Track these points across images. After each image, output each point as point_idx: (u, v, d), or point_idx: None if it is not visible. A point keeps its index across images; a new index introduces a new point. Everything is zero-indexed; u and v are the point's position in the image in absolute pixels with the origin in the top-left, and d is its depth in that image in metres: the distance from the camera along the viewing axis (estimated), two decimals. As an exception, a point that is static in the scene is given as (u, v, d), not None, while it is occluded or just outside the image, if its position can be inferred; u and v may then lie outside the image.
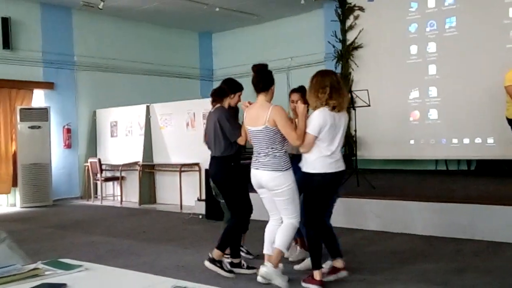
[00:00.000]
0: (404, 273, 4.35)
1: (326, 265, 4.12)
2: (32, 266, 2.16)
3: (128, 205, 9.70)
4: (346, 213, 6.10)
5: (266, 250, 4.02)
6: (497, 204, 5.54)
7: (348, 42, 9.93)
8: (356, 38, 9.81)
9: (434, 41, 9.02)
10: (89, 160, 10.27)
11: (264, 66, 4.02)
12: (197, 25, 12.53)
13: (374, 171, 8.90)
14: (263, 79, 3.99)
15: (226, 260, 4.47)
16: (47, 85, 10.32)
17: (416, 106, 9.18)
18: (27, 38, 10.04)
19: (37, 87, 10.23)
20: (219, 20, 11.90)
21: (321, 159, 3.82)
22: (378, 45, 9.59)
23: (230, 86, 4.59)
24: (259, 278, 3.93)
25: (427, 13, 9.11)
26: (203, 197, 7.90)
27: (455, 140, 8.76)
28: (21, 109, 9.70)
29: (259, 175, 3.92)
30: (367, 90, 7.65)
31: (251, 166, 4.01)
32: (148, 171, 9.82)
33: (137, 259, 5.19)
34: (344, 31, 10.01)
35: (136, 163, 9.83)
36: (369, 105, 7.52)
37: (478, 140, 8.51)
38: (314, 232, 3.95)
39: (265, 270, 3.87)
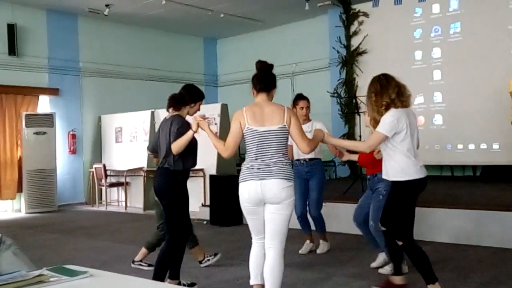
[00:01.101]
0: (408, 279, 4.32)
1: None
2: (37, 272, 2.17)
3: (133, 210, 9.71)
4: (350, 218, 6.07)
5: (256, 280, 3.40)
6: (503, 210, 5.52)
7: (353, 48, 9.95)
8: (360, 43, 9.82)
9: (439, 47, 9.02)
10: (94, 165, 10.29)
11: (271, 65, 3.65)
12: (202, 31, 12.58)
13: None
14: (268, 78, 3.54)
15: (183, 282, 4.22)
16: (53, 91, 10.38)
17: (421, 111, 9.16)
18: (33, 45, 10.11)
19: (43, 93, 10.28)
20: (224, 26, 11.94)
21: (410, 164, 3.60)
22: (383, 51, 9.59)
23: (192, 94, 4.23)
24: None
25: (431, 18, 9.11)
26: (208, 202, 7.89)
27: (460, 146, 8.73)
28: (26, 115, 9.75)
29: (265, 186, 3.28)
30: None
31: (245, 179, 3.34)
32: (153, 177, 9.81)
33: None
34: (349, 37, 10.03)
35: (140, 169, 9.84)
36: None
37: (483, 146, 8.48)
38: (405, 247, 3.70)
39: None
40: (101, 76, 11.12)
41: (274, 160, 3.31)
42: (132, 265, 4.87)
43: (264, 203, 3.33)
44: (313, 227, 5.51)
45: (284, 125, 3.33)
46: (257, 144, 3.34)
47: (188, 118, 4.16)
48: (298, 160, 5.38)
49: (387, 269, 4.46)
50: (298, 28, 11.70)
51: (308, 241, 5.52)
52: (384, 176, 3.76)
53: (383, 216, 3.80)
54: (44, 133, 9.83)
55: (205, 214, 7.72)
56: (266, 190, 3.28)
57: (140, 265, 4.88)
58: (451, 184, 8.44)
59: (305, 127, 5.00)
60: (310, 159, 5.33)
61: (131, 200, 10.13)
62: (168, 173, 3.99)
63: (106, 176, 10.04)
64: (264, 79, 3.51)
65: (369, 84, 3.76)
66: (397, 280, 3.91)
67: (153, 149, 4.33)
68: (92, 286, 2.11)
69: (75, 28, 10.81)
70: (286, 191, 3.29)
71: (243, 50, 12.84)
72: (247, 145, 3.39)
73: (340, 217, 6.32)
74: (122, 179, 10.14)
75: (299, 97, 5.36)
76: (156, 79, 12.03)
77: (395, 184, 3.67)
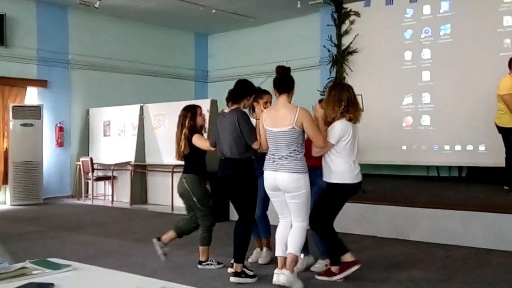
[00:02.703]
0: (392, 280, 4.36)
1: (320, 265, 4.56)
2: (20, 265, 2.15)
3: (119, 205, 9.67)
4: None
5: (280, 253, 4.02)
6: (487, 211, 5.58)
7: (343, 47, 9.96)
8: (351, 43, 9.84)
9: (429, 48, 9.06)
10: (81, 159, 10.23)
11: (288, 69, 4.16)
12: (193, 26, 12.54)
13: (366, 176, 8.90)
14: (287, 80, 4.07)
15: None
16: (41, 83, 10.28)
17: (409, 112, 9.22)
18: (22, 35, 10.00)
19: (31, 85, 10.18)
20: (215, 22, 11.91)
21: (348, 170, 4.09)
22: (373, 51, 9.62)
23: (248, 88, 4.48)
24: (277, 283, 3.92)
25: (422, 19, 9.15)
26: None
27: (447, 147, 8.80)
28: (13, 107, 9.65)
29: (278, 177, 3.93)
30: (361, 95, 7.61)
31: (265, 168, 4.03)
32: (140, 171, 9.79)
33: (127, 259, 5.18)
34: (340, 36, 10.04)
35: (128, 163, 9.80)
36: (362, 110, 7.53)
37: (469, 147, 8.55)
38: (324, 236, 4.25)
39: (285, 278, 3.87)
40: (90, 69, 11.03)
41: (286, 155, 3.91)
42: (200, 266, 4.74)
43: (280, 190, 3.97)
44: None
45: (293, 127, 3.89)
46: (272, 142, 3.99)
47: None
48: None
49: (318, 267, 4.61)
50: (289, 26, 11.70)
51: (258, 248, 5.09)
52: (325, 179, 4.21)
53: (315, 214, 4.16)
54: (31, 125, 9.74)
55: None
56: (279, 181, 3.94)
57: (208, 264, 4.75)
58: (437, 184, 8.51)
59: None
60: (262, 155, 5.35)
61: (118, 194, 10.08)
62: (239, 163, 4.28)
63: (93, 169, 9.98)
64: (285, 82, 4.07)
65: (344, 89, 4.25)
66: (336, 269, 4.27)
67: (214, 144, 4.53)
68: (75, 279, 2.10)
69: (65, 20, 10.70)
70: (295, 182, 3.90)
71: (234, 46, 12.82)
72: (267, 141, 4.05)
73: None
74: (109, 173, 10.08)
75: (263, 91, 5.12)
76: (146, 73, 11.97)
77: (335, 186, 4.15)
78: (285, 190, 3.94)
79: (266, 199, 5.13)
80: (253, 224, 4.45)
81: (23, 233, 6.69)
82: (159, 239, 4.83)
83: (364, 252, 5.07)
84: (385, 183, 8.66)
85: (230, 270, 4.41)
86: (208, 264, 4.76)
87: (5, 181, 9.68)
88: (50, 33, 10.40)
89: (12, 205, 9.45)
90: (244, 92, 4.42)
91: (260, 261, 4.91)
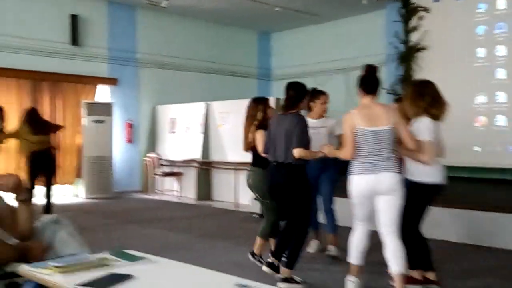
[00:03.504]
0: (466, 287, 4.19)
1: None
2: (100, 255, 2.25)
3: (185, 200, 9.89)
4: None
5: (356, 261, 3.84)
6: None
7: (411, 44, 9.68)
8: (419, 39, 9.54)
9: (504, 44, 8.62)
10: (148, 155, 10.55)
11: (376, 68, 4.00)
12: (256, 24, 12.60)
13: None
14: (376, 80, 3.88)
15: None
16: (111, 81, 10.70)
17: (482, 111, 8.82)
18: (94, 35, 10.44)
19: (102, 83, 10.61)
20: (279, 20, 11.91)
21: (438, 169, 3.92)
22: (443, 47, 9.27)
23: (301, 91, 4.28)
24: None
25: (496, 14, 8.72)
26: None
27: (523, 148, 8.35)
28: (87, 104, 10.09)
29: (380, 179, 3.63)
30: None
31: (360, 172, 3.69)
32: (205, 168, 9.97)
33: (193, 254, 5.28)
34: (407, 32, 9.75)
35: (193, 160, 10.00)
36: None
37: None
38: (411, 242, 3.90)
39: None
40: (157, 67, 11.35)
41: (385, 156, 3.67)
42: (250, 257, 4.75)
43: (375, 195, 3.69)
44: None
45: (392, 127, 3.68)
46: (369, 142, 3.69)
47: None
48: None
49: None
50: (354, 23, 11.50)
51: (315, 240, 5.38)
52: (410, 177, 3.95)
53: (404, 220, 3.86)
54: (103, 121, 10.16)
55: (257, 208, 7.74)
56: (382, 183, 3.64)
57: (258, 261, 4.71)
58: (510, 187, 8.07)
59: (319, 122, 5.05)
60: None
61: (184, 190, 10.32)
62: (293, 169, 4.12)
63: (160, 165, 10.26)
64: (373, 82, 3.87)
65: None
66: (430, 275, 4.02)
67: (266, 150, 4.37)
68: (151, 271, 2.16)
69: (134, 19, 11.08)
70: (398, 184, 3.66)
71: (297, 45, 12.77)
72: (359, 143, 3.71)
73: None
74: (176, 169, 10.34)
75: (320, 92, 5.19)
76: (210, 71, 12.16)
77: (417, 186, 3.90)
78: (386, 192, 3.65)
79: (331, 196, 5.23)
80: (307, 232, 4.28)
81: (96, 225, 6.98)
82: (253, 254, 4.75)
83: (435, 257, 4.89)
84: (454, 186, 8.31)
85: (265, 268, 4.32)
86: (257, 261, 4.69)
87: (79, 175, 10.15)
88: (120, 32, 10.80)
89: (86, 198, 9.89)
90: (299, 96, 4.24)
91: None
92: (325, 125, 5.05)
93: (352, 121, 3.73)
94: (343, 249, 5.09)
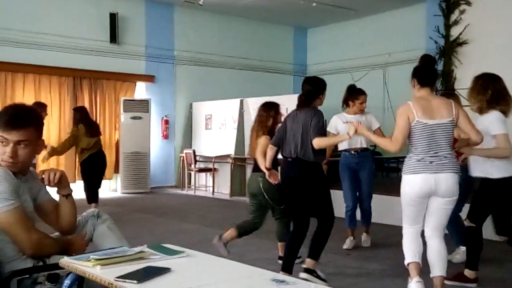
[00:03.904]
0: (485, 280, 4.06)
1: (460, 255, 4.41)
2: (138, 249, 2.26)
3: (220, 196, 9.95)
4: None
5: (416, 259, 3.49)
6: None
7: (452, 38, 9.43)
8: (461, 33, 9.29)
9: (549, 37, 8.30)
10: (184, 151, 10.66)
11: (434, 59, 3.88)
12: (293, 20, 12.53)
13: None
14: (434, 72, 3.67)
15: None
16: (149, 78, 10.85)
17: (525, 107, 8.50)
18: (132, 33, 10.60)
19: (139, 80, 10.78)
20: (316, 15, 11.80)
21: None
22: (485, 42, 9.00)
23: (318, 86, 4.08)
24: None
25: (542, 6, 8.40)
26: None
27: None
28: (124, 100, 10.28)
29: (440, 179, 3.34)
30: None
31: (416, 172, 3.39)
32: (240, 164, 10.00)
33: (229, 249, 5.28)
34: (448, 26, 9.52)
35: (228, 156, 10.04)
36: (473, 105, 7.08)
37: None
38: (472, 237, 3.88)
39: None
40: (193, 64, 11.45)
41: (446, 153, 3.37)
42: (280, 262, 4.53)
43: (430, 196, 3.41)
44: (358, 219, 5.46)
45: (453, 119, 3.38)
46: (428, 137, 3.38)
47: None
48: (347, 150, 5.26)
49: (458, 258, 4.51)
50: (393, 17, 11.29)
51: (351, 237, 5.38)
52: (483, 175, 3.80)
53: (473, 212, 3.86)
54: (140, 118, 10.32)
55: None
56: (441, 184, 3.35)
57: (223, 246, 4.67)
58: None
59: (355, 117, 5.03)
60: (362, 150, 5.23)
61: (218, 185, 10.38)
62: (309, 165, 3.94)
63: (196, 161, 10.35)
64: (430, 74, 3.61)
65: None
66: (471, 274, 3.93)
67: (277, 143, 4.17)
68: (188, 265, 2.17)
69: (171, 17, 11.19)
70: (457, 185, 3.40)
71: (334, 40, 12.63)
72: (415, 138, 3.41)
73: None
74: (210, 165, 10.41)
75: (360, 92, 5.18)
76: (246, 68, 12.18)
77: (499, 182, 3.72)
78: (445, 194, 3.38)
79: (355, 191, 5.24)
80: (332, 221, 4.12)
81: (133, 219, 7.10)
82: (220, 237, 4.69)
83: (492, 267, 4.75)
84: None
85: (302, 274, 4.10)
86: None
87: (116, 170, 10.34)
88: (157, 30, 10.93)
89: (123, 192, 10.08)
90: (316, 92, 4.03)
91: (364, 244, 5.39)
92: (361, 119, 5.01)
93: (410, 113, 3.39)
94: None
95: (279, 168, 4.41)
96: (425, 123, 3.37)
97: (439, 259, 3.45)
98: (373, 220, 5.59)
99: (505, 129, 3.63)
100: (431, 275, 3.47)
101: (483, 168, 3.78)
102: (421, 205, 3.45)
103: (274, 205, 4.56)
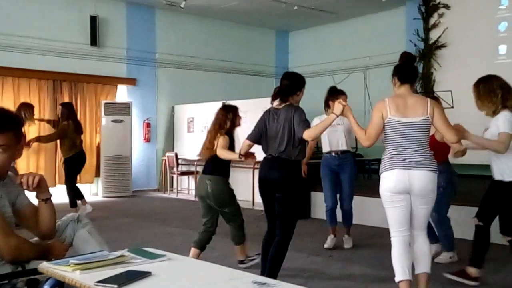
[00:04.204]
0: (487, 284, 4.12)
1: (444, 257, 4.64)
2: (119, 253, 2.25)
3: (202, 199, 9.90)
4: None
5: (404, 276, 3.33)
6: None
7: (431, 41, 9.57)
8: (440, 36, 9.43)
9: (526, 41, 8.47)
10: (167, 154, 10.61)
11: (414, 57, 3.79)
12: (274, 23, 12.57)
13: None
14: (413, 69, 3.63)
15: None
16: (130, 81, 10.78)
17: (503, 109, 8.66)
18: (113, 36, 10.53)
19: (121, 83, 10.70)
20: (297, 19, 11.86)
21: None
22: (464, 45, 9.15)
23: (296, 82, 3.95)
24: None
25: (519, 10, 8.57)
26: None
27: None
28: (105, 104, 10.19)
29: (414, 176, 3.30)
30: (450, 91, 7.33)
31: (391, 168, 3.36)
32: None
33: (211, 252, 5.26)
34: (427, 30, 9.67)
35: (211, 159, 10.01)
36: (452, 107, 7.20)
37: None
38: (480, 236, 3.97)
39: None
40: (175, 67, 11.41)
41: (420, 151, 3.34)
42: (242, 266, 4.62)
43: (408, 193, 3.35)
44: (339, 219, 5.53)
45: (428, 117, 3.35)
46: (401, 135, 3.36)
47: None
48: (328, 152, 5.38)
49: (442, 259, 4.59)
50: (373, 21, 11.41)
51: (332, 236, 5.49)
52: (498, 177, 3.90)
53: (482, 212, 3.96)
54: (121, 121, 10.24)
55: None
56: (414, 181, 3.31)
57: (249, 261, 4.68)
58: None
59: (337, 119, 4.79)
60: (342, 152, 5.34)
61: (201, 189, 10.33)
62: (290, 164, 3.82)
63: (178, 164, 10.31)
64: (410, 71, 3.55)
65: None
66: (474, 272, 3.99)
67: (255, 139, 4.05)
68: (170, 269, 2.16)
69: (152, 20, 11.14)
70: (432, 183, 3.35)
71: (315, 43, 12.71)
72: (388, 135, 3.41)
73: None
74: (193, 168, 10.37)
75: (340, 92, 5.18)
76: (228, 71, 12.18)
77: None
78: (419, 193, 3.32)
79: (352, 194, 5.31)
80: (290, 238, 3.91)
81: (115, 224, 7.04)
82: (242, 262, 4.70)
83: (459, 254, 4.82)
84: (476, 184, 8.18)
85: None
86: (249, 261, 4.68)
87: (98, 174, 10.25)
88: (138, 33, 10.87)
89: (104, 196, 9.99)
90: (294, 87, 3.90)
91: (345, 246, 5.44)
92: (342, 122, 5.05)
93: (384, 110, 3.39)
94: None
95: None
96: (397, 121, 3.35)
97: (423, 256, 3.44)
98: (355, 221, 5.66)
99: (510, 129, 3.71)
100: (416, 272, 3.46)
101: (500, 168, 3.85)
102: (401, 203, 3.35)
103: (227, 207, 4.58)
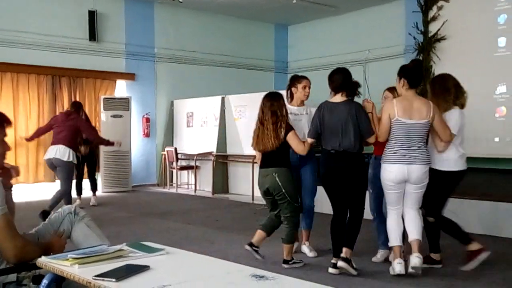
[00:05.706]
0: (484, 279, 4.13)
1: (380, 255, 4.63)
2: (117, 247, 2.26)
3: (202, 193, 9.93)
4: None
5: (396, 242, 4.08)
6: None
7: (431, 34, 9.53)
8: (439, 29, 9.38)
9: (526, 33, 8.44)
10: (166, 149, 10.61)
11: (421, 62, 4.31)
12: (273, 17, 12.53)
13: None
14: (421, 74, 4.22)
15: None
16: (129, 76, 10.76)
17: (503, 101, 8.65)
18: (112, 31, 10.49)
19: (120, 78, 10.68)
20: (296, 12, 11.82)
21: (460, 157, 4.18)
22: (463, 37, 9.11)
23: (350, 75, 4.39)
24: (411, 270, 3.93)
25: (518, 3, 8.54)
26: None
27: (545, 139, 8.18)
28: (104, 99, 10.18)
29: (412, 170, 3.98)
30: (450, 84, 7.29)
31: (393, 162, 4.03)
32: (222, 162, 9.98)
33: (210, 246, 5.30)
34: (427, 23, 9.61)
35: (210, 153, 10.03)
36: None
37: None
38: (441, 223, 4.27)
39: (419, 261, 3.92)
40: (174, 62, 11.38)
41: (418, 148, 4.00)
42: (286, 266, 4.45)
43: (405, 182, 4.04)
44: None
45: (429, 121, 3.98)
46: (404, 134, 4.01)
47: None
48: None
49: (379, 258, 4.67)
50: (372, 14, 11.36)
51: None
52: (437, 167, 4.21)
53: (429, 205, 4.24)
54: (121, 116, 10.24)
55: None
56: (412, 173, 4.00)
57: (295, 263, 4.50)
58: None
59: (301, 109, 4.83)
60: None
61: (200, 183, 10.36)
62: (358, 157, 4.22)
63: (177, 159, 10.31)
64: (420, 77, 4.18)
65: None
66: (436, 256, 4.39)
67: (315, 136, 4.33)
68: (168, 262, 2.17)
69: (151, 14, 11.11)
70: (426, 173, 4.04)
71: (314, 37, 12.67)
72: (394, 132, 4.05)
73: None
74: (192, 163, 10.38)
75: (301, 76, 4.96)
76: (227, 65, 12.15)
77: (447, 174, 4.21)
78: (415, 182, 4.02)
79: (315, 190, 4.97)
80: (362, 217, 4.28)
81: (114, 218, 7.05)
82: (251, 245, 4.55)
83: (453, 248, 4.82)
84: (474, 177, 8.19)
85: (331, 270, 4.20)
86: (294, 263, 4.49)
87: (97, 169, 10.22)
88: (137, 28, 10.84)
89: (104, 191, 9.99)
90: (348, 81, 4.34)
91: (311, 255, 4.87)
92: (306, 112, 4.81)
93: (391, 111, 4.02)
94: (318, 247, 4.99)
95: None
96: (403, 122, 3.99)
97: (415, 225, 4.06)
98: (327, 211, 5.34)
99: (456, 130, 4.10)
100: (409, 240, 4.05)
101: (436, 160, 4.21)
102: (398, 190, 4.09)
103: (291, 201, 4.35)
